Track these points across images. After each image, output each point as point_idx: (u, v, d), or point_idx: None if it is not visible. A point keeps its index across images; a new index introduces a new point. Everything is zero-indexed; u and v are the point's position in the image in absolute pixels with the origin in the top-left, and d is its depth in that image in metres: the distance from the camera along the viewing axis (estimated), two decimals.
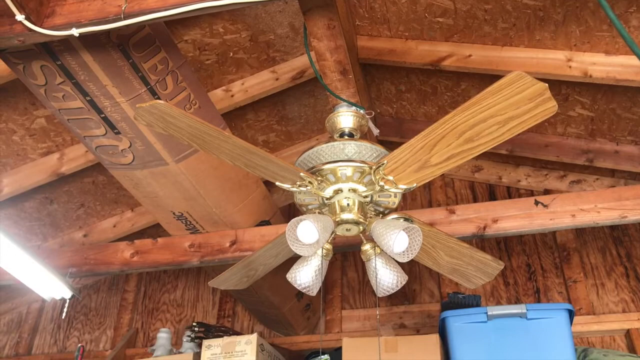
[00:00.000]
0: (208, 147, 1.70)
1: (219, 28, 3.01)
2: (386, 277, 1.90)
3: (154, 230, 4.10)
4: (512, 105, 1.49)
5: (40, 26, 1.82)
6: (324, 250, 1.91)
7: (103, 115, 2.26)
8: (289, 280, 1.90)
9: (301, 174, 1.78)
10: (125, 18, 1.80)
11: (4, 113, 3.07)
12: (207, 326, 3.17)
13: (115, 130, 2.32)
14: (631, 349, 3.24)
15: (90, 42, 2.02)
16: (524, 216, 2.55)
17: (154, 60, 2.19)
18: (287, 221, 1.69)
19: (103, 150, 2.45)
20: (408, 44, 3.19)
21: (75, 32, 1.81)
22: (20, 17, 1.80)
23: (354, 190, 1.85)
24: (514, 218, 2.56)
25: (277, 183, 1.85)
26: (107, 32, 2.00)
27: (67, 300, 2.99)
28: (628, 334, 3.30)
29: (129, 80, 2.16)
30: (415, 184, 1.78)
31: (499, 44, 3.02)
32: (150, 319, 4.23)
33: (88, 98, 2.19)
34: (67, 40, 1.97)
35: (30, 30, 1.81)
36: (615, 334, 3.37)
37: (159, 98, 2.24)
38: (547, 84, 1.43)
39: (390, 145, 1.86)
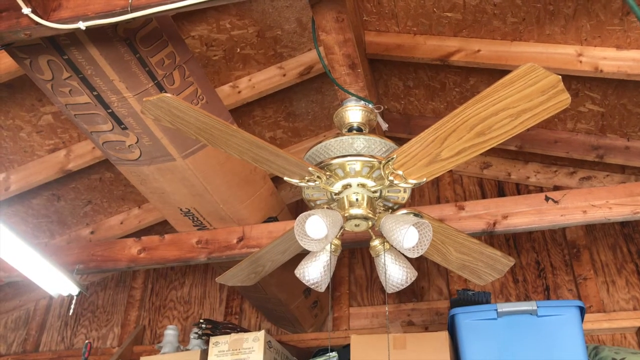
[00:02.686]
0: (216, 141, 1.68)
1: (226, 24, 2.99)
2: (395, 273, 1.88)
3: (161, 227, 4.09)
4: (524, 98, 1.47)
5: (47, 19, 1.81)
6: (332, 245, 1.89)
7: (110, 111, 2.24)
8: (298, 276, 1.88)
9: (310, 168, 1.76)
10: (132, 11, 1.78)
11: (11, 110, 3.06)
12: (215, 323, 3.16)
13: (122, 126, 2.31)
14: None
15: (97, 36, 2.00)
16: (534, 212, 2.52)
17: (161, 55, 2.17)
18: (295, 218, 1.67)
19: (110, 146, 2.44)
20: (416, 39, 3.16)
21: (81, 25, 1.80)
22: (26, 10, 1.79)
23: (363, 185, 1.83)
24: (524, 214, 2.53)
25: (285, 178, 1.83)
26: (114, 26, 1.99)
27: (75, 297, 2.98)
28: (639, 331, 3.26)
29: (136, 75, 2.15)
30: (425, 179, 1.76)
31: (508, 39, 3.00)
32: (157, 316, 4.23)
33: (95, 93, 2.18)
34: (74, 34, 1.96)
35: (37, 23, 1.80)
36: (627, 332, 3.33)
37: (166, 93, 2.22)
38: (560, 76, 1.41)
39: (398, 142, 1.83)
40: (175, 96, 1.55)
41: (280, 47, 3.26)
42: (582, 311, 2.50)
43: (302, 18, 3.09)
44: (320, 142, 1.89)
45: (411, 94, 3.76)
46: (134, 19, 1.83)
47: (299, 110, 3.84)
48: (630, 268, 3.56)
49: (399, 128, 3.91)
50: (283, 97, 3.65)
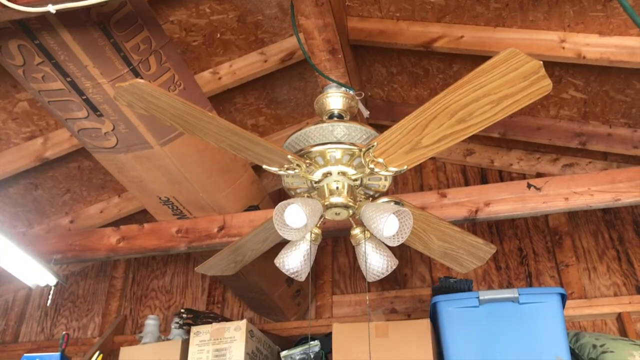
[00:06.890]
0: (192, 128, 1.64)
1: (205, 8, 2.93)
2: (376, 262, 1.86)
3: (142, 216, 4.03)
4: (505, 84, 1.45)
5: (14, 2, 1.74)
6: (312, 234, 1.86)
7: (84, 97, 2.18)
8: (277, 265, 1.86)
9: (289, 156, 1.73)
10: None
11: None
12: (196, 313, 3.12)
13: (98, 113, 2.25)
14: (622, 333, 3.23)
15: (70, 20, 1.94)
16: (517, 199, 2.51)
17: (137, 40, 2.11)
18: None
19: (86, 133, 2.38)
20: (399, 25, 3.13)
21: (51, 8, 1.74)
22: None
23: (344, 173, 1.80)
24: (506, 201, 2.52)
25: (264, 166, 1.80)
26: (87, 9, 1.93)
27: (53, 288, 2.93)
28: (619, 317, 3.29)
29: (110, 60, 2.09)
30: (406, 166, 1.74)
31: (491, 25, 2.97)
32: (138, 306, 4.18)
33: (68, 79, 2.12)
34: (45, 17, 1.89)
35: (4, 6, 1.73)
36: (607, 318, 3.36)
37: (142, 79, 2.17)
38: (541, 62, 1.39)
39: (381, 129, 1.80)
40: (148, 82, 1.51)
41: (262, 32, 3.20)
42: (564, 298, 2.51)
43: (283, 3, 3.03)
44: (300, 129, 1.85)
45: (394, 81, 3.72)
46: (107, 2, 1.78)
47: (281, 97, 3.80)
48: (612, 254, 3.58)
49: (382, 115, 3.88)
50: (265, 83, 3.59)
